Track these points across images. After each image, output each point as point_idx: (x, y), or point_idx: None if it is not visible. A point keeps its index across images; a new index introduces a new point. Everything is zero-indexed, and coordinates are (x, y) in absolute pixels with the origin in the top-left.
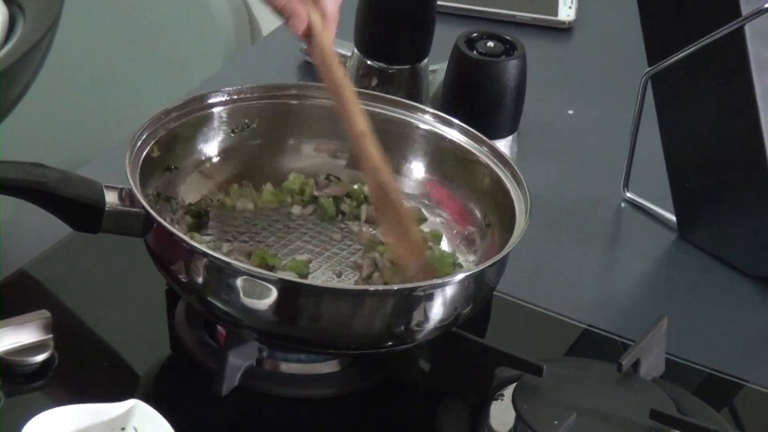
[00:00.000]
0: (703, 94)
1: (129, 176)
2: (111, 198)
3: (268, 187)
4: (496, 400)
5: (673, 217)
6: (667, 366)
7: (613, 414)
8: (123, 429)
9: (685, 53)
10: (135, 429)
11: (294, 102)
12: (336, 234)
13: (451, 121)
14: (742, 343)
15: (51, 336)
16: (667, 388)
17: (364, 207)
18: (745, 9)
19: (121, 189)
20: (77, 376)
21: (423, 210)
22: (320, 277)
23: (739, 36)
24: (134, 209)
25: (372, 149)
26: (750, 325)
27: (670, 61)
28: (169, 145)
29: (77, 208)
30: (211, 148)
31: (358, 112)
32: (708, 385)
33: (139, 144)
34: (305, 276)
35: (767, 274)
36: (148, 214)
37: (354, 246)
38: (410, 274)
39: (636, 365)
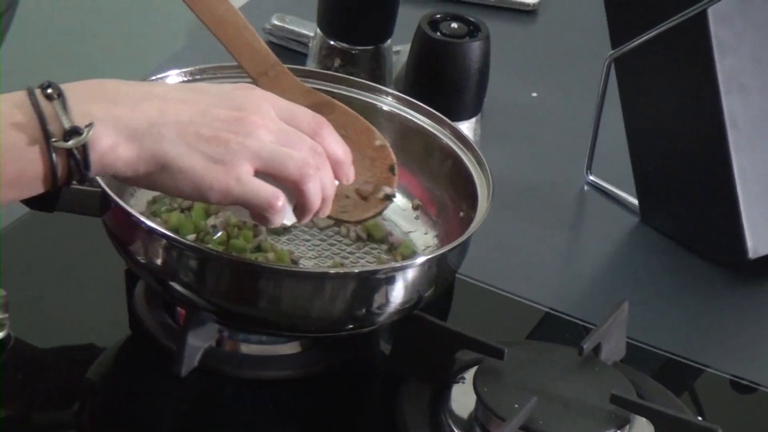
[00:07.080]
0: (665, 78)
1: None
2: None
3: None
4: (457, 383)
5: (635, 201)
6: (628, 350)
7: (574, 398)
8: None
9: (648, 36)
10: None
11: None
12: None
13: (414, 103)
14: (702, 327)
15: (7, 315)
16: (627, 372)
17: None
18: None
19: None
20: (33, 356)
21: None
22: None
23: (701, 19)
24: (91, 188)
25: (287, 81)
26: (711, 310)
27: (633, 44)
28: None
29: None
30: None
31: (257, 50)
32: (668, 370)
33: None
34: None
35: (726, 260)
36: (104, 193)
37: (313, 230)
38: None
39: (597, 349)
